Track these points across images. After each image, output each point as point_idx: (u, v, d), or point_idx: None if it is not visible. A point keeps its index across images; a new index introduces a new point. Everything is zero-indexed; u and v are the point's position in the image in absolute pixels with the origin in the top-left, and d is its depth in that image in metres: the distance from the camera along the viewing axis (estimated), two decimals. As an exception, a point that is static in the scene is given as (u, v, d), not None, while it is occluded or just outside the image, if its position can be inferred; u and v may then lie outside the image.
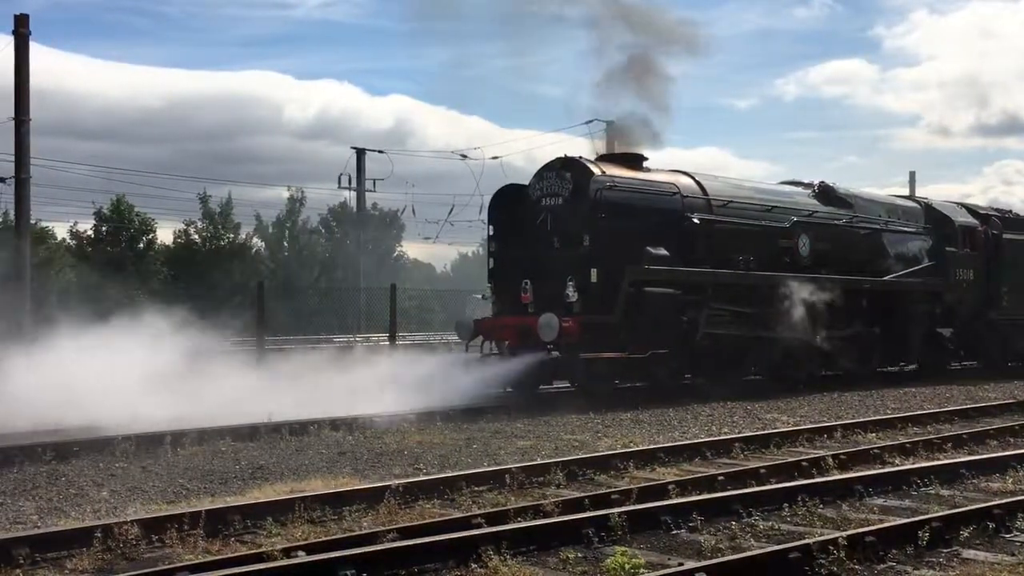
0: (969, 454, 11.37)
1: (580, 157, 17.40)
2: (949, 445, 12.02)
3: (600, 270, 16.32)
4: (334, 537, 7.03)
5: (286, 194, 57.01)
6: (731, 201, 18.81)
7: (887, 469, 10.08)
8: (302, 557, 6.29)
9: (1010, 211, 26.92)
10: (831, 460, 10.34)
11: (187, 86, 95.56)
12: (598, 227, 16.39)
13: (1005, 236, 24.46)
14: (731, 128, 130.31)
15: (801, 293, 19.16)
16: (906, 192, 36.60)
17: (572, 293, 16.29)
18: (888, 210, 22.78)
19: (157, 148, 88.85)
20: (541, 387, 17.09)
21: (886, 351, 21.73)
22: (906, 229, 22.74)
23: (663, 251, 17.06)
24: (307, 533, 7.37)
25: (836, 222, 20.91)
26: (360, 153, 42.68)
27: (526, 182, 17.87)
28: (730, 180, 20.46)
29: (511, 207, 17.70)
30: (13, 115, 25.31)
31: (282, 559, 6.26)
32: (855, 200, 21.97)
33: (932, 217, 23.54)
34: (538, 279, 16.95)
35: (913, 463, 10.53)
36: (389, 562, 6.31)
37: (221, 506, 7.86)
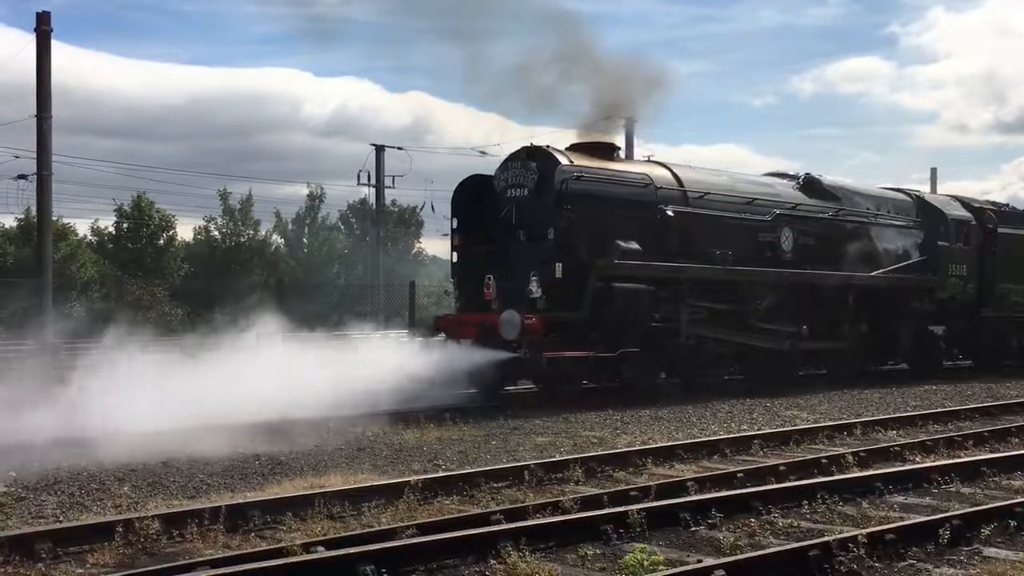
0: (991, 452, 11.30)
1: (547, 146, 16.62)
2: (970, 443, 11.96)
3: (566, 265, 15.59)
4: (353, 533, 7.05)
5: (306, 191, 57.23)
6: (708, 193, 18.05)
7: (907, 467, 10.05)
8: (321, 552, 6.31)
9: (1007, 205, 26.26)
10: (851, 457, 10.30)
11: (206, 83, 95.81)
12: (564, 219, 15.66)
13: (1000, 230, 23.79)
14: (748, 125, 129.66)
15: (783, 289, 18.58)
16: (927, 189, 36.24)
17: (536, 289, 15.54)
18: (877, 203, 22.02)
19: (177, 145, 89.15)
20: (506, 387, 16.48)
21: (875, 350, 21.12)
22: (896, 223, 22.04)
23: (634, 245, 16.35)
24: (326, 529, 7.40)
25: (821, 215, 20.22)
26: (379, 150, 42.77)
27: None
28: (709, 171, 19.69)
29: (476, 199, 16.92)
30: (35, 112, 25.49)
31: (301, 554, 6.28)
32: (842, 192, 21.26)
33: (924, 211, 22.84)
34: (502, 274, 16.18)
35: (934, 461, 10.49)
36: (408, 558, 6.32)
37: (241, 501, 7.89)
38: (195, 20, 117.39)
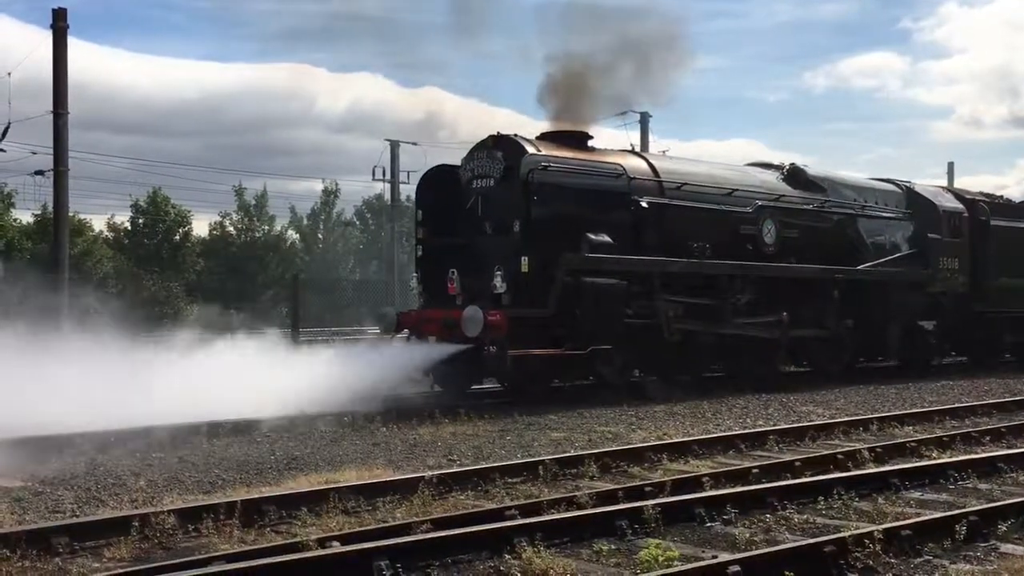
0: (1008, 448, 11.22)
1: (515, 135, 15.94)
2: (987, 438, 11.86)
3: (532, 259, 14.90)
4: (368, 528, 7.06)
5: (320, 186, 57.44)
6: (686, 183, 17.37)
7: (924, 462, 9.98)
8: (337, 547, 6.31)
9: (1000, 196, 25.69)
10: (867, 453, 10.26)
11: (220, 79, 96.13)
12: (530, 211, 15.00)
13: (993, 222, 23.14)
14: (762, 120, 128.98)
15: (764, 284, 18.03)
16: (944, 184, 35.89)
17: (500, 284, 14.93)
18: (865, 194, 21.31)
19: (192, 141, 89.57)
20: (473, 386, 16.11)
21: (862, 346, 20.48)
22: (884, 214, 21.40)
23: (606, 238, 15.69)
24: (341, 524, 7.41)
25: (806, 207, 19.54)
26: (394, 145, 42.83)
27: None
28: (687, 160, 19.15)
29: (441, 190, 16.36)
30: (52, 108, 25.59)
31: (317, 549, 6.29)
32: (828, 183, 20.59)
33: (914, 202, 22.15)
34: (467, 269, 15.65)
35: (950, 456, 10.43)
36: (423, 553, 6.32)
37: (256, 496, 7.92)
38: (209, 16, 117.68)
